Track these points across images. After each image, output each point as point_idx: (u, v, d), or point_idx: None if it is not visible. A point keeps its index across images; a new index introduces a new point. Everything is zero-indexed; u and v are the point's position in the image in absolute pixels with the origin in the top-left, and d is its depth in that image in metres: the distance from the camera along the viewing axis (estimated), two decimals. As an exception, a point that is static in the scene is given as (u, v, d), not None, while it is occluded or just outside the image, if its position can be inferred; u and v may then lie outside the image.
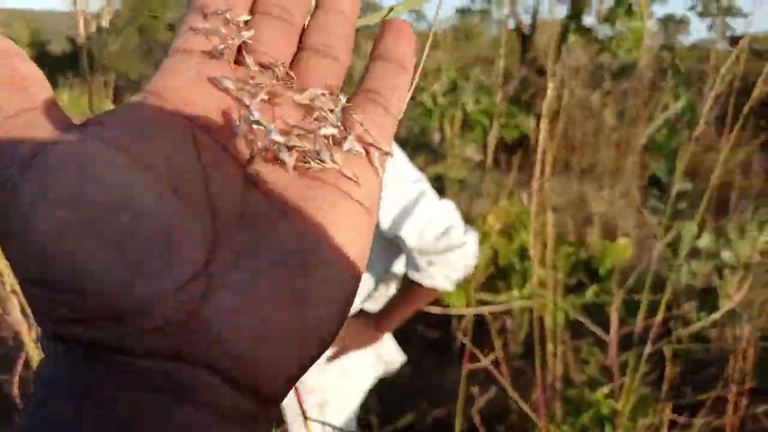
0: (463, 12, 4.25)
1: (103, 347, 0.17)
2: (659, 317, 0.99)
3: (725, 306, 1.48)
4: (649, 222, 2.04)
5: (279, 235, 0.20)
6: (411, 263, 1.13)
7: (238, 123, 0.22)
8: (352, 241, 0.21)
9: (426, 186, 1.11)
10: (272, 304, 0.19)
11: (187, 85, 0.22)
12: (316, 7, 0.26)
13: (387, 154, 0.24)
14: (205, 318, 0.18)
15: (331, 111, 0.23)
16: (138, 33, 8.36)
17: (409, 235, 1.07)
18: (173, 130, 0.20)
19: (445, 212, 1.10)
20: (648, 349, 1.02)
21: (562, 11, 4.00)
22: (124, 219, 0.17)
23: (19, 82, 0.19)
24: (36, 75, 0.19)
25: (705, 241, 1.50)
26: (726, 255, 1.46)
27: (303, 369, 0.19)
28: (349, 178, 0.22)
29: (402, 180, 1.08)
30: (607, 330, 1.24)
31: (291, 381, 0.19)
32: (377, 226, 1.09)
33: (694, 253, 1.50)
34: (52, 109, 0.19)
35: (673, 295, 1.52)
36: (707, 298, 1.53)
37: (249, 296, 0.18)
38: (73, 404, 0.17)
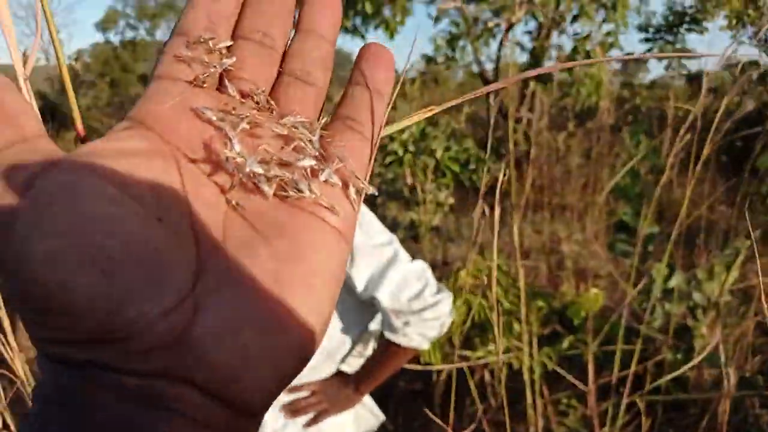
0: (428, 60, 4.35)
1: (96, 367, 0.18)
2: (633, 366, 0.99)
3: (699, 345, 1.49)
4: (620, 264, 2.07)
5: (258, 259, 0.21)
6: (387, 324, 1.13)
7: (225, 158, 0.22)
8: (328, 265, 0.22)
9: (398, 247, 1.11)
10: (252, 327, 0.19)
11: (171, 113, 0.22)
12: (297, 29, 0.26)
13: (362, 190, 0.24)
14: (190, 341, 0.19)
15: (310, 141, 0.24)
16: (109, 87, 8.37)
17: (384, 297, 1.07)
18: (158, 158, 0.21)
19: (418, 273, 1.11)
20: (625, 399, 1.02)
21: (523, 56, 4.13)
22: (113, 248, 0.18)
23: (8, 114, 0.19)
24: (24, 107, 0.20)
25: (676, 281, 1.53)
26: (696, 296, 1.48)
27: (281, 386, 0.20)
28: (327, 208, 0.23)
29: (374, 244, 1.09)
30: (585, 380, 1.24)
31: (270, 397, 0.20)
32: (353, 289, 1.09)
33: (667, 294, 1.52)
34: (41, 140, 0.20)
35: (647, 338, 1.53)
36: (682, 338, 1.55)
37: (231, 320, 0.19)
38: (70, 418, 0.18)
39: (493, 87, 0.27)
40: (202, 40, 0.24)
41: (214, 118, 0.23)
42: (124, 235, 0.18)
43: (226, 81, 0.24)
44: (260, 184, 0.22)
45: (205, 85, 0.24)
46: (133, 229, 0.18)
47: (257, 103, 0.24)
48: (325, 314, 0.22)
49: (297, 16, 0.26)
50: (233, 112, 0.23)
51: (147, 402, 0.18)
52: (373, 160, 0.26)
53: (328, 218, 0.23)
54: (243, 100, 0.24)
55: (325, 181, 0.23)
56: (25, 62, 0.26)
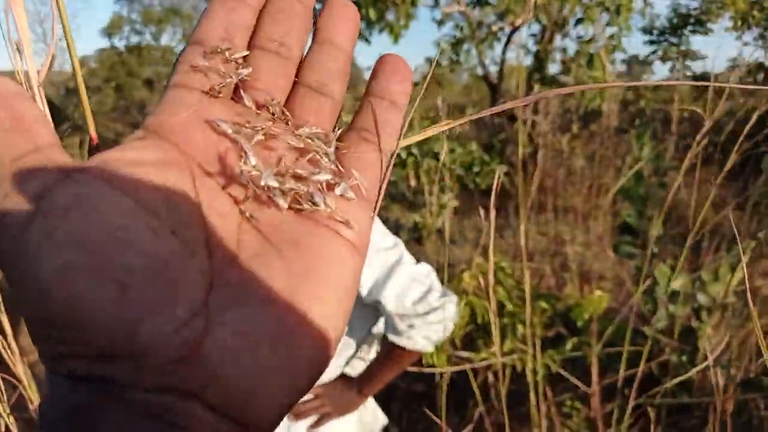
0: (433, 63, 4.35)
1: (107, 383, 0.18)
2: (641, 367, 0.99)
3: (704, 347, 1.49)
4: (624, 265, 2.06)
5: (272, 272, 0.21)
6: (391, 327, 1.13)
7: (240, 171, 0.22)
8: (342, 279, 0.22)
9: (402, 250, 1.11)
10: (265, 341, 0.19)
11: (186, 124, 0.22)
12: (314, 39, 0.26)
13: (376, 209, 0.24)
14: (203, 356, 0.18)
15: (326, 153, 0.23)
16: (115, 92, 8.41)
17: (389, 301, 1.07)
18: (173, 169, 0.21)
19: (423, 276, 1.11)
20: (632, 401, 1.01)
21: (528, 59, 4.13)
22: (126, 261, 0.17)
23: (23, 123, 0.19)
24: (38, 115, 0.19)
25: (680, 282, 1.52)
26: (701, 298, 1.48)
27: (293, 403, 0.20)
28: (341, 222, 0.23)
29: (378, 247, 1.09)
30: (589, 382, 1.23)
31: (281, 413, 0.20)
32: (357, 292, 1.09)
33: (672, 295, 1.52)
34: (55, 150, 0.19)
35: (652, 340, 1.52)
36: (687, 340, 1.54)
37: (244, 334, 0.19)
38: None
39: (510, 105, 0.27)
40: (218, 50, 0.23)
41: (230, 131, 0.23)
42: (138, 247, 0.18)
43: (242, 92, 0.24)
44: (275, 197, 0.22)
45: (220, 95, 0.24)
46: (147, 242, 0.18)
47: (272, 114, 0.24)
48: (338, 328, 0.21)
49: (315, 26, 0.26)
50: (248, 123, 0.23)
51: (157, 419, 0.18)
52: (389, 173, 0.26)
53: (342, 231, 0.23)
54: (258, 111, 0.24)
55: (341, 195, 0.23)
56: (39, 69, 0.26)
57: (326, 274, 0.21)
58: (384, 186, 0.25)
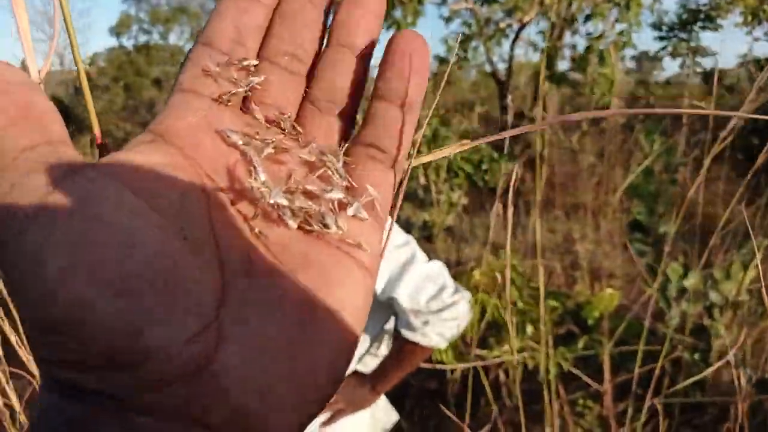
0: (441, 60, 4.35)
1: (105, 397, 0.17)
2: (658, 368, 0.99)
3: (717, 345, 1.48)
4: (635, 263, 2.05)
5: (283, 290, 0.20)
6: (405, 323, 1.13)
7: (250, 186, 0.21)
8: (353, 299, 0.21)
9: (415, 248, 1.12)
10: (277, 359, 0.18)
11: (193, 130, 0.21)
12: (329, 42, 0.24)
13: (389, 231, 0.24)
14: (214, 372, 0.17)
15: (337, 170, 0.22)
16: (124, 91, 8.45)
17: (403, 298, 1.08)
18: (184, 174, 0.20)
19: (436, 273, 1.11)
20: (648, 401, 1.01)
21: (536, 56, 4.13)
22: (131, 265, 0.16)
23: (36, 115, 0.18)
24: (50, 108, 0.18)
25: (692, 280, 1.51)
26: (713, 295, 1.47)
27: (305, 423, 0.19)
28: (353, 245, 0.22)
29: (392, 245, 1.09)
30: (600, 380, 1.23)
31: None
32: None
33: (683, 293, 1.51)
34: (65, 145, 0.18)
35: (664, 337, 1.52)
36: (699, 337, 1.54)
37: (256, 350, 0.18)
38: None
39: (531, 128, 0.26)
40: (234, 62, 0.22)
41: (240, 143, 0.22)
42: (144, 249, 0.17)
43: (253, 104, 0.23)
44: (284, 217, 0.21)
45: (230, 104, 0.22)
46: (156, 245, 0.17)
47: (283, 129, 0.23)
48: (351, 349, 0.20)
49: (332, 23, 0.24)
50: (258, 135, 0.22)
51: None
52: (404, 188, 0.25)
53: (353, 252, 0.22)
54: (268, 126, 0.23)
55: (353, 216, 0.22)
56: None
57: (338, 295, 0.20)
58: (399, 201, 0.24)
